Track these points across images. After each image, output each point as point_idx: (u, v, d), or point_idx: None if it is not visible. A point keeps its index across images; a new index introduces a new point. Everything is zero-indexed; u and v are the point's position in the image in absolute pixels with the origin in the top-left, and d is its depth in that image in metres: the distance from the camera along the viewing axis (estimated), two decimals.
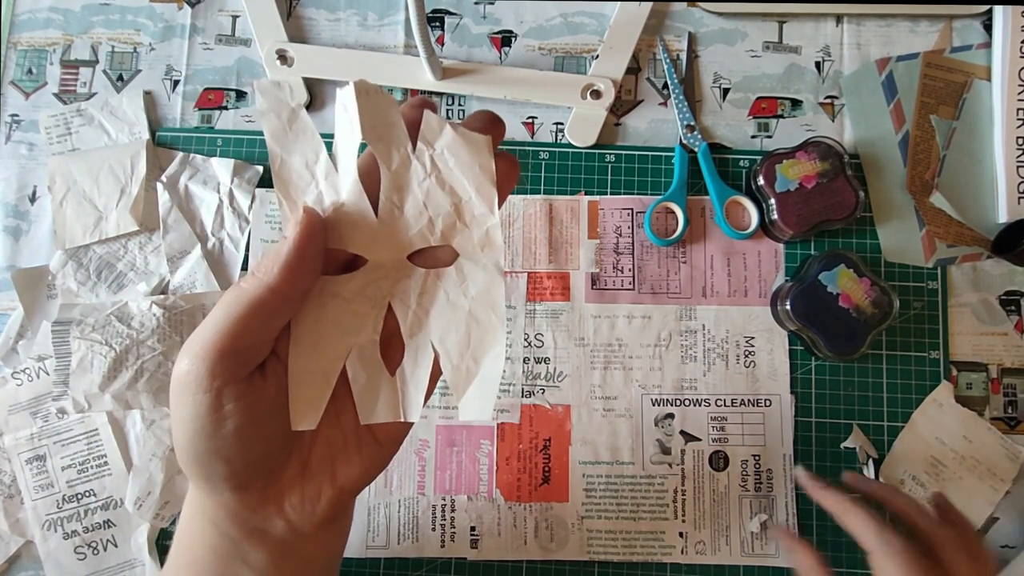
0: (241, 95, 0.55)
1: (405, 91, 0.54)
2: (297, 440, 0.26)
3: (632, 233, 0.52)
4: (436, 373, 0.26)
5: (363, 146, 0.24)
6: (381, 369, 0.26)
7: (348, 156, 0.24)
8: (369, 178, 0.24)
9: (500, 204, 0.25)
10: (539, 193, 0.53)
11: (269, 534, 0.26)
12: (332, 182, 0.25)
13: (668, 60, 0.54)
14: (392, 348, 0.26)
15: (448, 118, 0.55)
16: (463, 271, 0.26)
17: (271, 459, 0.25)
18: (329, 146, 0.25)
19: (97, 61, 0.55)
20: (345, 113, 0.24)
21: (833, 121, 0.54)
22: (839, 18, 0.55)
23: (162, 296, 0.50)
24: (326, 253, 0.24)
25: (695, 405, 0.50)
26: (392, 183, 0.25)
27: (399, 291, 0.26)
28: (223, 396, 0.23)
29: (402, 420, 0.26)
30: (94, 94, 0.54)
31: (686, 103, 0.53)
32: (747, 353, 0.51)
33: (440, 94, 0.54)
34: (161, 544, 0.49)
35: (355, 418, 0.25)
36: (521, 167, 0.53)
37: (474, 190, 0.25)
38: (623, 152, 0.53)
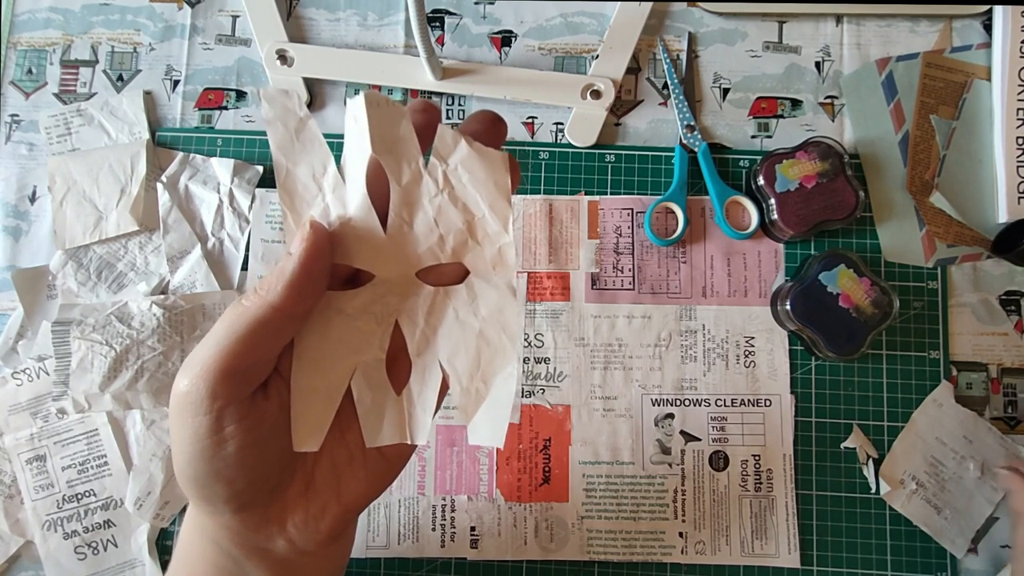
0: (241, 95, 0.55)
1: (405, 91, 0.54)
2: (301, 458, 0.26)
3: (632, 233, 0.52)
4: (443, 390, 0.25)
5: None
6: (387, 389, 0.25)
7: (357, 169, 0.24)
8: (377, 191, 0.24)
9: None
10: (539, 193, 0.53)
11: (272, 552, 0.26)
12: (339, 195, 0.24)
13: (668, 60, 0.54)
14: (398, 366, 0.25)
15: (448, 119, 0.55)
16: (474, 290, 0.25)
17: (274, 479, 0.25)
18: (338, 156, 0.25)
19: (97, 61, 0.55)
20: (355, 124, 0.24)
21: (833, 121, 0.54)
22: (839, 18, 0.55)
23: (162, 296, 0.50)
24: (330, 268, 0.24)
25: (695, 405, 0.50)
26: (402, 198, 0.24)
27: (406, 308, 0.25)
28: (224, 417, 0.22)
29: (408, 442, 0.25)
30: (94, 94, 0.54)
31: (686, 103, 0.53)
32: (747, 353, 0.51)
33: (440, 94, 0.54)
34: (161, 544, 0.49)
35: (361, 435, 0.25)
36: (521, 167, 0.53)
37: (488, 207, 0.24)
38: (623, 152, 0.53)
